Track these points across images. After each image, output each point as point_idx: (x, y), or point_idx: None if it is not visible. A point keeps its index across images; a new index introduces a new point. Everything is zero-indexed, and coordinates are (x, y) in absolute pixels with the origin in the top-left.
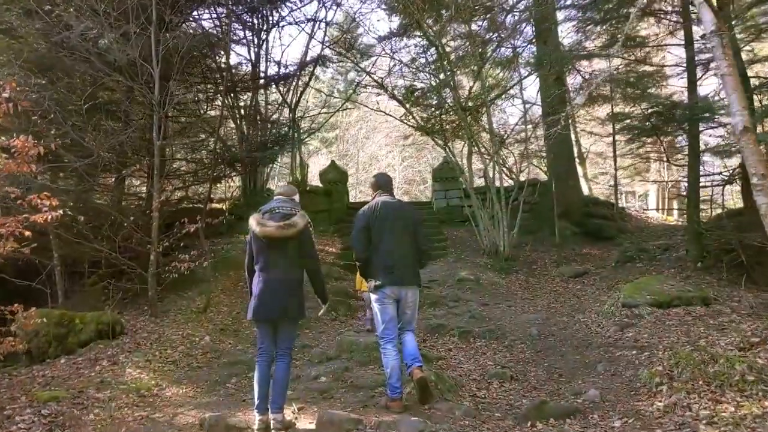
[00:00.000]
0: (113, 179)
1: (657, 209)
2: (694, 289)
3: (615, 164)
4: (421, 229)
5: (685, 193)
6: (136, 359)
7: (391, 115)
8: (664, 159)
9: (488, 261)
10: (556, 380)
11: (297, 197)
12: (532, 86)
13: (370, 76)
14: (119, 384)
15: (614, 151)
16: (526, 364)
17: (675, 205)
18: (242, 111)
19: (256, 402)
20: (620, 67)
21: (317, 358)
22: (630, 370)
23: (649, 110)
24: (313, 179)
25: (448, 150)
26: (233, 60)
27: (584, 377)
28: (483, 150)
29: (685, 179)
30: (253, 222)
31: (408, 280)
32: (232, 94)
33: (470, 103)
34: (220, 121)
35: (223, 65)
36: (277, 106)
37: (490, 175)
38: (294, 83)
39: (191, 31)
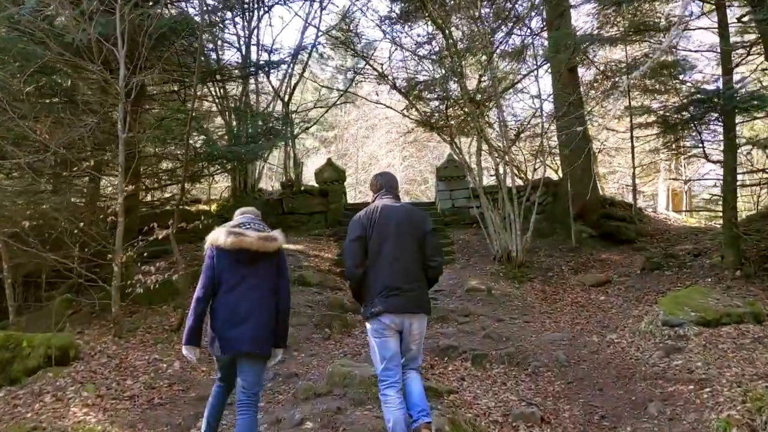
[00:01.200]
0: (87, 179)
1: (670, 209)
2: (743, 303)
3: (633, 161)
4: (433, 239)
5: (719, 192)
6: (86, 394)
7: (392, 108)
8: (698, 154)
9: (500, 268)
10: (597, 424)
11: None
12: (543, 80)
13: (369, 65)
14: (56, 429)
15: (632, 148)
16: (556, 399)
17: (685, 205)
18: (228, 102)
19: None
20: (636, 54)
21: (303, 393)
22: (692, 413)
23: (689, 98)
24: (310, 180)
25: (454, 146)
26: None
27: (634, 421)
28: (494, 146)
29: (697, 178)
30: (220, 235)
31: (414, 307)
32: (217, 83)
33: (479, 96)
34: (192, 108)
35: (196, 47)
36: (269, 98)
37: (501, 172)
38: (287, 72)
39: (167, 10)
